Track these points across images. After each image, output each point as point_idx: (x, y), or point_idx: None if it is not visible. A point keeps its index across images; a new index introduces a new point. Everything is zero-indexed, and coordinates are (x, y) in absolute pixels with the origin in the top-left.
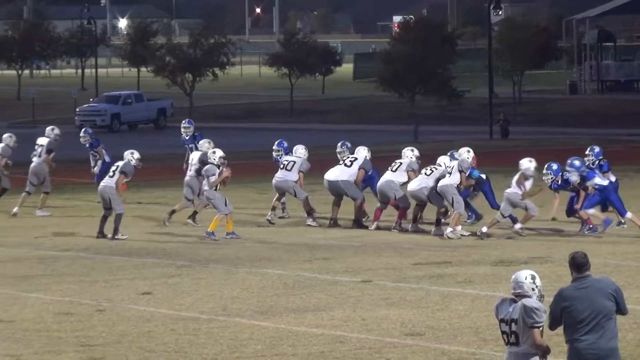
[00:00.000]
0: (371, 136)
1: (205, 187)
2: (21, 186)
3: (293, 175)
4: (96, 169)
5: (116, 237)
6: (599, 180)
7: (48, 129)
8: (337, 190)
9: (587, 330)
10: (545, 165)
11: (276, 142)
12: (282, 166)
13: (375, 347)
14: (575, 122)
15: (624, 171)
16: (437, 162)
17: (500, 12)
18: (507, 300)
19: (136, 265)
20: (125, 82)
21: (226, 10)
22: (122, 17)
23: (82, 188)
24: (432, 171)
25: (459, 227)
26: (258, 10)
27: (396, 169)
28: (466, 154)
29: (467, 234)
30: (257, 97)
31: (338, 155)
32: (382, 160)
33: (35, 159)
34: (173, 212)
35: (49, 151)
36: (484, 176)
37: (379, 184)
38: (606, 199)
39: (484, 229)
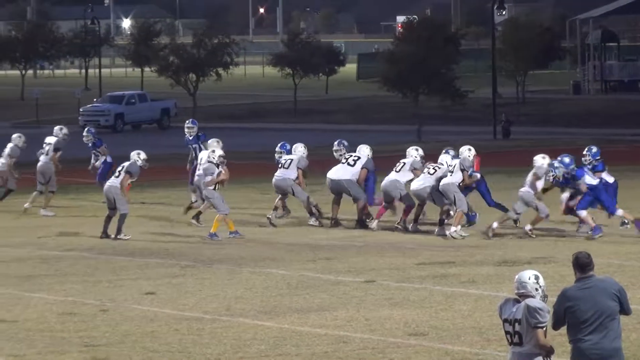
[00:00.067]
0: (375, 136)
1: (205, 187)
2: (25, 187)
3: (291, 173)
4: (98, 163)
5: (119, 237)
6: (589, 179)
7: (56, 128)
8: (340, 190)
9: (591, 330)
10: (548, 163)
11: (279, 145)
12: (280, 165)
13: (379, 347)
14: (579, 123)
15: (626, 171)
16: (439, 160)
17: (503, 12)
18: (511, 301)
19: (140, 266)
20: (129, 82)
21: (230, 10)
22: (126, 17)
23: (86, 188)
24: (435, 170)
25: (459, 227)
26: (262, 10)
27: (400, 169)
28: (467, 152)
29: (467, 234)
30: (260, 97)
31: (335, 154)
32: (385, 161)
33: (42, 158)
34: (187, 211)
35: (56, 150)
36: (478, 175)
37: (383, 184)
38: (597, 198)
39: (495, 225)
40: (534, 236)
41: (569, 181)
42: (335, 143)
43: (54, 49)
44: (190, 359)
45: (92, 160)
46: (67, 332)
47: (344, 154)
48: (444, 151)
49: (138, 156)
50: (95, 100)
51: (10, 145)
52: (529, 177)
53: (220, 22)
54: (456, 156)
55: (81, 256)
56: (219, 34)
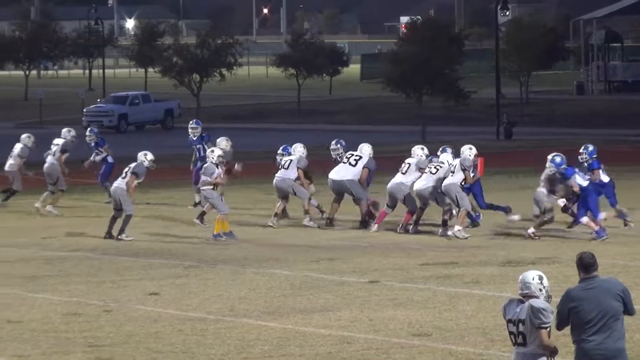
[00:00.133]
0: (378, 137)
1: (203, 187)
2: (33, 188)
3: (291, 174)
4: (98, 158)
5: (120, 237)
6: (579, 179)
7: (64, 130)
8: (341, 190)
9: (595, 330)
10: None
11: (281, 147)
12: (280, 166)
13: (383, 348)
14: (583, 123)
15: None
16: (440, 159)
17: (507, 13)
18: (515, 301)
19: (143, 266)
20: (133, 83)
21: (233, 10)
22: (130, 18)
23: (90, 189)
24: (437, 170)
25: (462, 227)
26: (265, 10)
27: (406, 171)
28: (468, 151)
29: (469, 235)
30: (264, 97)
31: (332, 153)
32: (388, 161)
33: (49, 159)
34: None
35: (63, 151)
36: (479, 174)
37: (388, 186)
38: (584, 199)
39: (530, 230)
40: (536, 238)
41: (560, 180)
42: (333, 142)
43: (57, 50)
44: (194, 359)
45: (92, 158)
46: (71, 332)
47: (341, 153)
48: (440, 149)
49: (145, 157)
50: (98, 100)
51: (20, 145)
52: (543, 176)
53: (224, 22)
54: (456, 155)
55: (85, 257)
56: (223, 34)
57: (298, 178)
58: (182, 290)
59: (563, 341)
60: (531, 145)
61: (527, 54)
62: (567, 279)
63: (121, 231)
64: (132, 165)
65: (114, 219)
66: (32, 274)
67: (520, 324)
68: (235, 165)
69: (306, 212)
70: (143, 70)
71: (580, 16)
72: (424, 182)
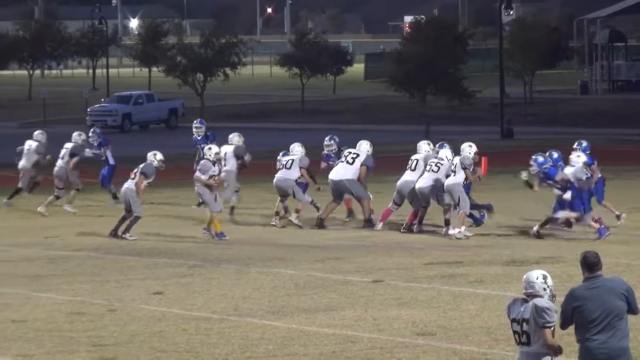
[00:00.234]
0: (382, 136)
1: (196, 182)
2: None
3: (294, 174)
4: (91, 151)
5: (124, 236)
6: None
7: (75, 134)
8: (341, 190)
9: (599, 330)
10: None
11: (281, 153)
12: (281, 166)
13: (387, 347)
14: (586, 122)
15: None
16: (439, 155)
17: (511, 12)
18: (519, 300)
19: (147, 265)
20: (137, 82)
21: (237, 10)
22: (133, 17)
23: (93, 189)
24: (439, 167)
25: (463, 228)
26: (269, 10)
27: (415, 167)
28: (468, 149)
29: (471, 234)
30: (268, 97)
31: (325, 149)
32: (392, 160)
33: (58, 162)
34: (232, 208)
35: (72, 155)
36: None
37: (398, 183)
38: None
39: (535, 229)
40: (542, 237)
41: (544, 179)
42: (327, 138)
43: (61, 49)
44: (198, 358)
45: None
46: (75, 331)
47: (335, 149)
48: (438, 145)
49: (154, 157)
50: (102, 100)
51: (34, 143)
52: (558, 177)
53: (228, 22)
54: (456, 152)
55: (89, 256)
56: (227, 34)
57: (301, 177)
58: (186, 290)
59: (567, 340)
60: (531, 144)
61: (531, 53)
62: (571, 278)
63: (126, 230)
64: (141, 165)
65: (123, 219)
66: (36, 273)
67: (525, 323)
68: (245, 157)
69: (297, 210)
70: (147, 69)
71: (584, 15)
72: (426, 180)
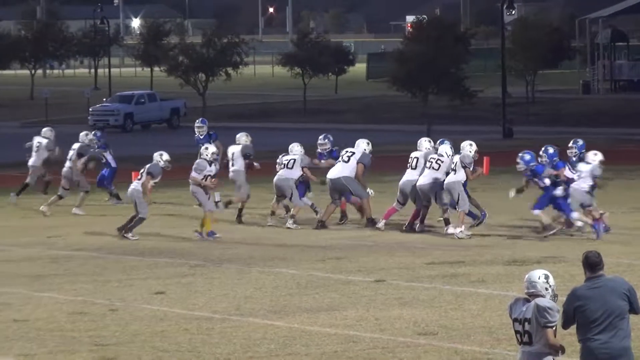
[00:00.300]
0: (384, 136)
1: (191, 181)
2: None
3: (295, 173)
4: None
5: (126, 235)
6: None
7: (82, 134)
8: (340, 188)
9: (600, 329)
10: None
11: (281, 155)
12: (282, 166)
13: (388, 347)
14: (588, 122)
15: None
16: (439, 152)
17: (513, 12)
18: (521, 300)
19: (149, 265)
20: (139, 82)
21: (239, 9)
22: (135, 17)
23: (95, 189)
24: (439, 165)
25: (463, 227)
26: (271, 9)
27: (416, 165)
28: (468, 147)
29: (470, 234)
30: (270, 97)
31: (319, 147)
32: (393, 160)
33: (67, 163)
34: (240, 210)
35: (80, 155)
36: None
37: (401, 182)
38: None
39: (579, 224)
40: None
41: (530, 176)
42: (321, 137)
43: (63, 49)
44: (200, 358)
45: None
46: (77, 331)
47: (329, 148)
48: (439, 142)
49: (160, 157)
50: (104, 99)
51: (44, 140)
52: (583, 173)
53: (230, 21)
54: (456, 151)
55: (91, 256)
56: (229, 33)
57: (301, 176)
58: (188, 290)
59: (569, 340)
60: (531, 144)
61: (533, 53)
62: (572, 278)
63: (129, 230)
64: (148, 166)
65: (132, 219)
66: (38, 273)
67: (526, 323)
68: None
69: (292, 216)
70: (149, 69)
71: (586, 15)
72: (427, 178)
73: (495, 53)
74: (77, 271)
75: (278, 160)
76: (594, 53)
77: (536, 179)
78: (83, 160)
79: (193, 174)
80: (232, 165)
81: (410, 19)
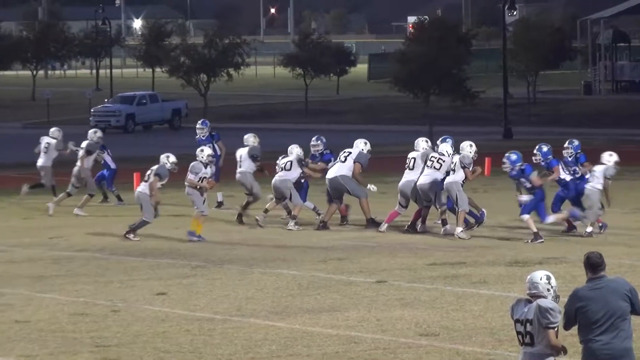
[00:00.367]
0: (385, 136)
1: (186, 184)
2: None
3: (293, 174)
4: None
5: (128, 236)
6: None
7: (90, 131)
8: (338, 188)
9: (602, 330)
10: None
11: (280, 157)
12: (280, 168)
13: (390, 348)
14: (590, 123)
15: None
16: (440, 151)
17: (514, 13)
18: (522, 301)
19: (151, 266)
20: (140, 83)
21: (241, 10)
22: (137, 18)
23: (97, 189)
24: (440, 164)
25: (463, 227)
26: (273, 10)
27: (413, 166)
28: (468, 148)
29: (469, 236)
30: (271, 97)
31: (311, 149)
32: (395, 161)
33: (78, 163)
34: (244, 210)
35: (88, 152)
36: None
37: (400, 184)
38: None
39: (589, 229)
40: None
41: (516, 175)
42: (314, 139)
43: (65, 50)
44: (202, 359)
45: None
46: (78, 332)
47: (321, 149)
48: (441, 139)
49: (167, 159)
50: (106, 100)
51: (52, 140)
52: (601, 173)
53: (231, 22)
54: (456, 150)
55: (92, 257)
56: (230, 34)
57: (301, 175)
58: (190, 290)
59: (570, 341)
60: (530, 144)
61: (535, 53)
62: (574, 278)
63: (132, 231)
64: (154, 167)
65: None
66: (40, 274)
67: (528, 324)
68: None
69: (293, 217)
70: (150, 70)
71: (587, 16)
72: (427, 177)
73: (497, 54)
74: (78, 272)
75: (278, 162)
76: (595, 54)
77: (522, 179)
78: (91, 157)
79: (189, 176)
80: (240, 166)
81: (411, 19)
